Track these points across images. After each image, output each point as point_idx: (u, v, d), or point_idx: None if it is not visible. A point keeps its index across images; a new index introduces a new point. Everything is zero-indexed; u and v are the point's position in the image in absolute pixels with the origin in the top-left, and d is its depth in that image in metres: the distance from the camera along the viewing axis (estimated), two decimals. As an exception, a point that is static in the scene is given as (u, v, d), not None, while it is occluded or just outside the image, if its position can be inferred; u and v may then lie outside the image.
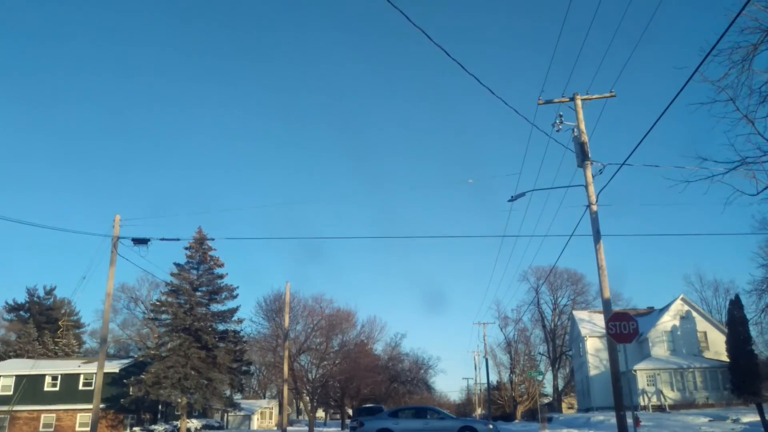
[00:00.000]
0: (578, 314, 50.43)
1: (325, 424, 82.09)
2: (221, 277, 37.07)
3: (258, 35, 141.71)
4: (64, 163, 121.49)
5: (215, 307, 37.16)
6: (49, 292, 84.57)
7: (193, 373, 33.42)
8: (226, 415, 62.82)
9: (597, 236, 16.99)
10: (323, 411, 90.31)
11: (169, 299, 35.61)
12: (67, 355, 60.92)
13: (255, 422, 72.53)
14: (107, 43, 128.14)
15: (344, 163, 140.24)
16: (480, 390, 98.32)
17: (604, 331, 47.09)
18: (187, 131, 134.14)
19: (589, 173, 17.45)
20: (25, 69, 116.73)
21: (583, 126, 17.92)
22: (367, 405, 34.74)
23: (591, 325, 47.73)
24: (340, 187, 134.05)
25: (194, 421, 45.34)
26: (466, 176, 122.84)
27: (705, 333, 44.28)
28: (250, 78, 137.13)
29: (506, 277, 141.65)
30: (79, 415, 38.40)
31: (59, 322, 77.24)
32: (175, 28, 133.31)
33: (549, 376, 78.12)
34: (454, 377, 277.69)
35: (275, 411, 73.12)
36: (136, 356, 35.37)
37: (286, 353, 32.55)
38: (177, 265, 36.57)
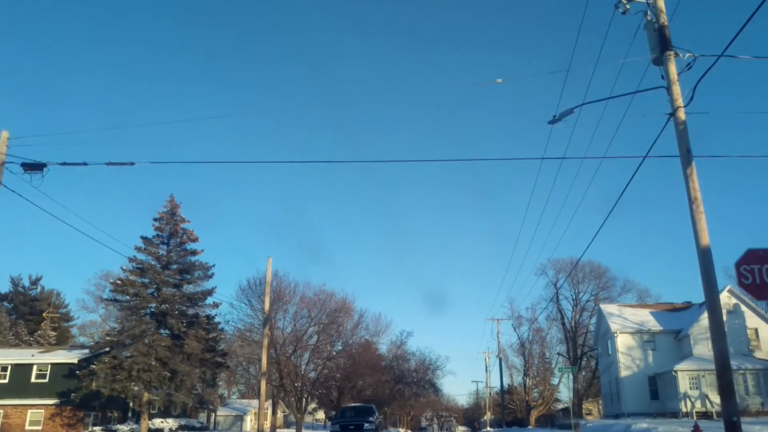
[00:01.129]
0: (606, 308, 44.63)
1: (325, 426, 76.59)
2: (194, 253, 31.76)
3: (259, 37, 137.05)
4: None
5: (188, 289, 31.88)
6: (35, 282, 79.82)
7: (155, 363, 28.11)
8: (213, 415, 57.52)
9: (687, 156, 11.41)
10: (324, 412, 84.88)
11: (132, 278, 30.35)
12: (41, 347, 55.82)
13: (248, 423, 67.31)
14: (106, 42, 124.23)
15: (345, 165, 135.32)
16: (490, 393, 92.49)
17: (637, 326, 41.16)
18: (185, 131, 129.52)
19: (672, 67, 11.87)
20: None
21: (661, 3, 12.41)
22: (354, 404, 29.03)
23: (622, 320, 41.93)
24: (341, 188, 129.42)
25: (170, 420, 40.04)
26: (468, 179, 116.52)
27: (756, 330, 38.37)
28: (249, 78, 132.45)
29: (522, 272, 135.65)
30: (30, 411, 33.15)
31: (43, 314, 72.46)
32: (175, 30, 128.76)
33: (565, 378, 72.33)
34: (463, 380, 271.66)
35: (270, 411, 67.80)
36: (92, 344, 30.20)
37: (265, 341, 27.17)
38: (144, 238, 31.33)
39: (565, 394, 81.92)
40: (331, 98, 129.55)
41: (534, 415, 69.53)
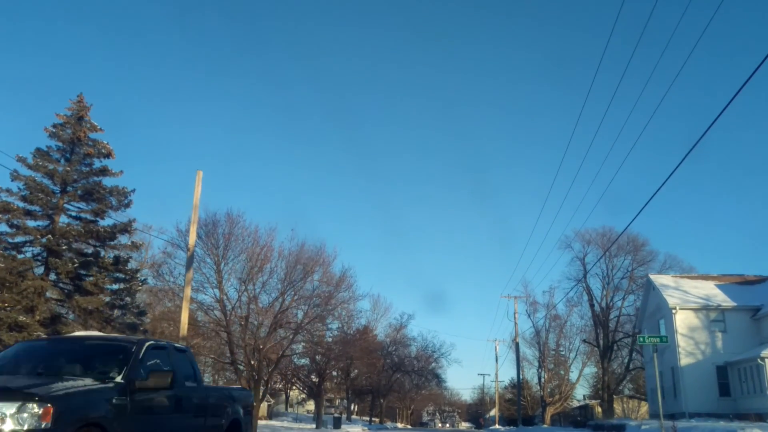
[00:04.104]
0: (658, 279, 35.23)
1: (313, 420, 67.89)
2: (106, 172, 22.69)
3: (257, 28, 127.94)
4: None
5: (104, 224, 22.89)
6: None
7: (26, 320, 19.15)
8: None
9: None
10: (313, 402, 76.25)
11: (9, 199, 21.37)
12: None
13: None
14: (104, 36, 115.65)
15: (345, 160, 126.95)
16: (499, 387, 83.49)
17: (702, 300, 30.14)
18: (185, 127, 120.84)
19: None
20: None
21: None
22: (57, 336, 16.26)
23: (681, 293, 32.59)
24: (341, 185, 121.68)
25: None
26: (468, 176, 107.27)
27: None
28: (249, 71, 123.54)
29: (540, 253, 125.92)
30: None
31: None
32: (174, 21, 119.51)
33: (587, 371, 63.21)
34: (467, 375, 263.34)
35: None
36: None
37: (187, 291, 18.17)
38: (37, 150, 22.29)
39: (578, 391, 72.81)
40: (329, 93, 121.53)
41: (550, 411, 60.58)
